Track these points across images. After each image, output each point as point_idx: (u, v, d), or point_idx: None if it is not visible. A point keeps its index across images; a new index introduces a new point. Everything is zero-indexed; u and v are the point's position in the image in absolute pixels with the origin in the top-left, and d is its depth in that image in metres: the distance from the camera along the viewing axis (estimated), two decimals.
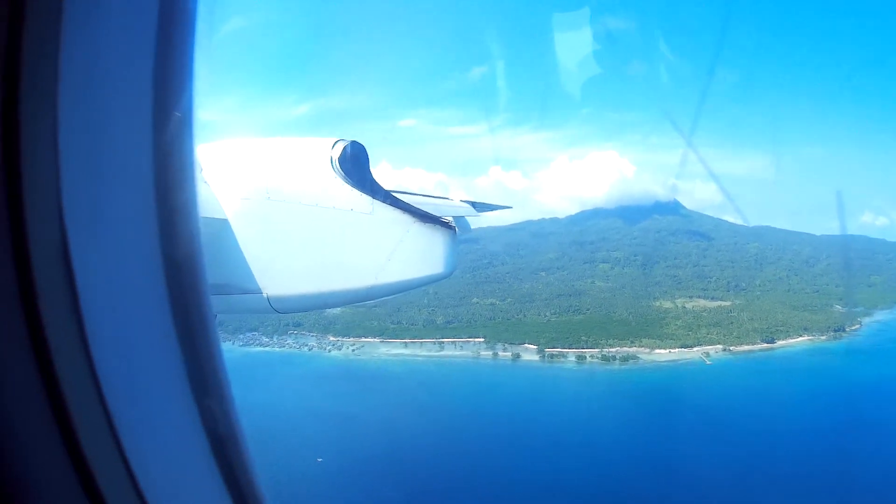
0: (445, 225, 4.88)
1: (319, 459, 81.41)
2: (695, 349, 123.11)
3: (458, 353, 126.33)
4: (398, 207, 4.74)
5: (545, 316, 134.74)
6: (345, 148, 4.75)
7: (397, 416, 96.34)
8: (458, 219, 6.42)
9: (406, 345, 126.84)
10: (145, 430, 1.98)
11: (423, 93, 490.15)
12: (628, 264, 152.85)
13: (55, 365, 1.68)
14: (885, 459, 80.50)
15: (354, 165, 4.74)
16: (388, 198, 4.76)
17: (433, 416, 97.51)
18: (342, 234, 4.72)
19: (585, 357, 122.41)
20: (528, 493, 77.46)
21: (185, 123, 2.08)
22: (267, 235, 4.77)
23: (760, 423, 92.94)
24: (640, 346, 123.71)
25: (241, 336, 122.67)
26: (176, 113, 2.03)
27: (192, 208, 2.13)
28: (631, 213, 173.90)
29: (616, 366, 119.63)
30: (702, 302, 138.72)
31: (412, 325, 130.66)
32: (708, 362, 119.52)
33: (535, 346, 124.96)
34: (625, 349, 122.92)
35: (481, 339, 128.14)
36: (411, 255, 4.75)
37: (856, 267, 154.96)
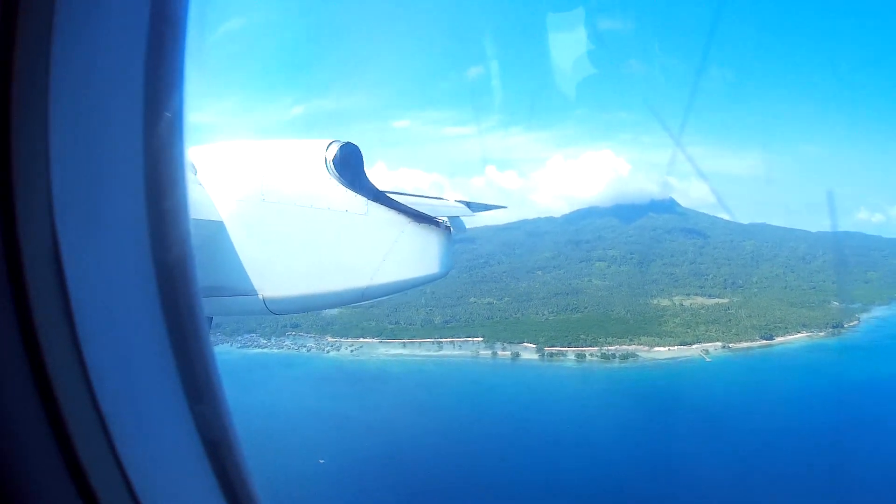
0: (440, 225, 4.89)
1: (321, 461, 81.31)
2: (694, 346, 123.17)
3: (456, 352, 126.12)
4: (393, 208, 4.75)
5: (543, 315, 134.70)
6: (339, 149, 4.75)
7: (397, 416, 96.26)
8: (453, 219, 6.44)
9: (404, 345, 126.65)
10: (139, 433, 1.98)
11: (419, 93, 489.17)
12: (625, 262, 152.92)
13: (48, 367, 1.68)
14: (884, 455, 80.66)
15: (349, 166, 4.75)
16: (382, 198, 4.77)
17: (433, 416, 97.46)
18: (337, 235, 4.73)
19: (585, 355, 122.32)
20: (528, 493, 77.46)
21: (177, 125, 2.07)
22: (262, 237, 4.77)
23: (761, 420, 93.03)
24: (639, 344, 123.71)
25: (239, 338, 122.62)
26: (167, 114, 2.02)
27: (183, 210, 2.12)
28: (626, 212, 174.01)
29: (616, 364, 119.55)
30: (699, 299, 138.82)
31: (410, 325, 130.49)
32: (707, 359, 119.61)
33: (534, 345, 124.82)
34: (624, 347, 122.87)
35: (480, 339, 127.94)
36: (406, 256, 4.76)
37: (852, 264, 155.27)
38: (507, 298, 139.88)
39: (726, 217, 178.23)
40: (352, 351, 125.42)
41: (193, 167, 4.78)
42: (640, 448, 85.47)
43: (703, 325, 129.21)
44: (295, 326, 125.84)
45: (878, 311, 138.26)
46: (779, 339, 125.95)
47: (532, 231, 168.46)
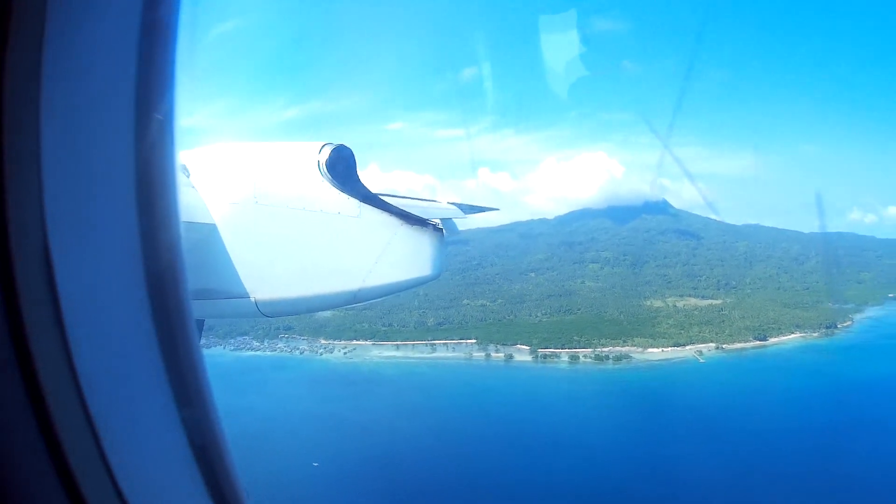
0: (433, 227, 4.89)
1: (315, 464, 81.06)
2: (687, 347, 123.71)
3: (450, 354, 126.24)
4: (385, 210, 4.74)
5: (536, 316, 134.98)
6: (332, 152, 4.74)
7: (390, 418, 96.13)
8: (446, 221, 6.43)
9: (398, 347, 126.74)
10: (128, 436, 1.98)
11: (412, 96, 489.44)
12: (618, 264, 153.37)
13: (37, 370, 1.67)
14: (879, 455, 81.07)
15: (341, 169, 4.74)
16: (375, 201, 4.76)
17: (427, 418, 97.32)
18: (330, 237, 4.71)
19: (578, 357, 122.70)
20: (522, 494, 77.39)
21: (168, 127, 2.07)
22: (255, 240, 4.75)
23: (755, 421, 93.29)
24: (633, 346, 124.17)
25: (232, 340, 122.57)
26: (158, 116, 2.01)
27: (174, 214, 2.12)
28: (620, 213, 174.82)
29: (609, 365, 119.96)
30: (693, 300, 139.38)
31: (403, 327, 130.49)
32: (701, 360, 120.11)
33: (528, 347, 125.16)
34: (617, 349, 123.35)
35: (473, 341, 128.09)
36: (399, 258, 4.75)
37: (845, 264, 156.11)
38: (500, 300, 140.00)
39: (715, 217, 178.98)
40: (345, 353, 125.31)
41: (186, 170, 4.78)
42: (635, 449, 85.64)
43: (696, 326, 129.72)
44: (288, 329, 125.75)
45: (872, 312, 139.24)
46: (772, 340, 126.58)
47: (525, 233, 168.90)
